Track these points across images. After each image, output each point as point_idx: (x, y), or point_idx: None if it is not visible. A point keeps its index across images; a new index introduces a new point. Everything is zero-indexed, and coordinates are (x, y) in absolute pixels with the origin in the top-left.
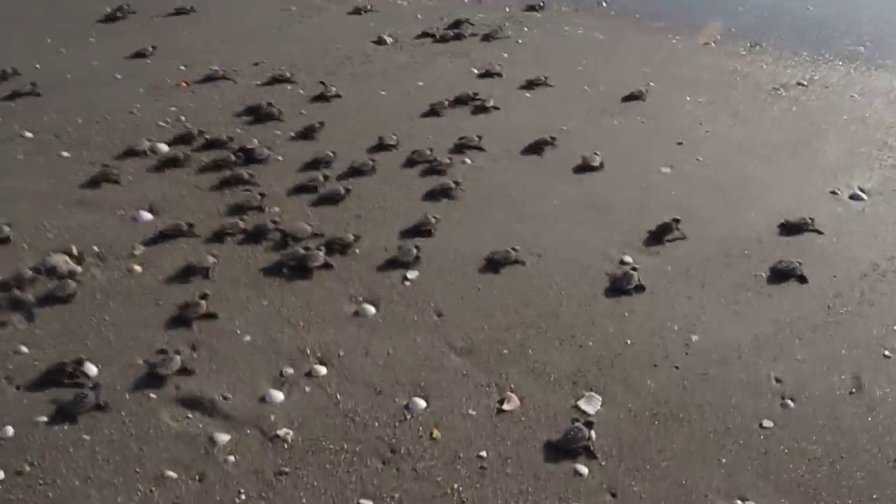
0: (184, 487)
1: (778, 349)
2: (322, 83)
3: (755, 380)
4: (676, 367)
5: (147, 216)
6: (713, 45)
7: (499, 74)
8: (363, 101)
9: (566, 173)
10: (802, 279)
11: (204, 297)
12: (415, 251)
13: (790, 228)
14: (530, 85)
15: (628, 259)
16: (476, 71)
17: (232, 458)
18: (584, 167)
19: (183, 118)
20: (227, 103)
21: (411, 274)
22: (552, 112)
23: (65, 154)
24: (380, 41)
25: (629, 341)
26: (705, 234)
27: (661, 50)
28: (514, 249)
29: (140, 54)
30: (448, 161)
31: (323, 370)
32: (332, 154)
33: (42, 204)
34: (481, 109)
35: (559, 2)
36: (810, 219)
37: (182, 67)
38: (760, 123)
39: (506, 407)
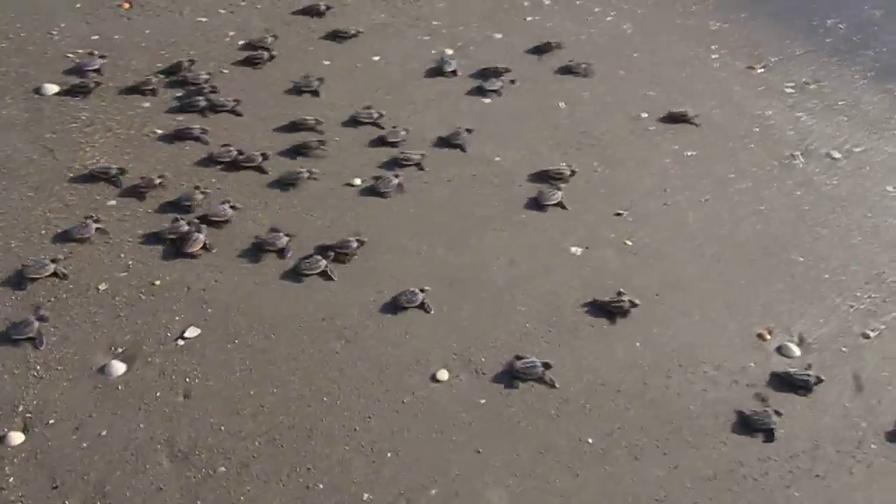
0: None
1: None
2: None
3: None
4: None
5: None
6: (760, 70)
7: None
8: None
9: (473, 219)
10: (769, 435)
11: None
12: (323, 263)
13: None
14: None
15: (442, 376)
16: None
17: None
18: (536, 202)
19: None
20: (156, 39)
21: (191, 332)
22: (505, 130)
23: None
24: None
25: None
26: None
27: (693, 65)
28: (422, 291)
29: None
30: (419, 157)
31: (18, 439)
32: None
33: None
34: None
35: None
36: (810, 374)
37: None
38: (741, 206)
39: None
